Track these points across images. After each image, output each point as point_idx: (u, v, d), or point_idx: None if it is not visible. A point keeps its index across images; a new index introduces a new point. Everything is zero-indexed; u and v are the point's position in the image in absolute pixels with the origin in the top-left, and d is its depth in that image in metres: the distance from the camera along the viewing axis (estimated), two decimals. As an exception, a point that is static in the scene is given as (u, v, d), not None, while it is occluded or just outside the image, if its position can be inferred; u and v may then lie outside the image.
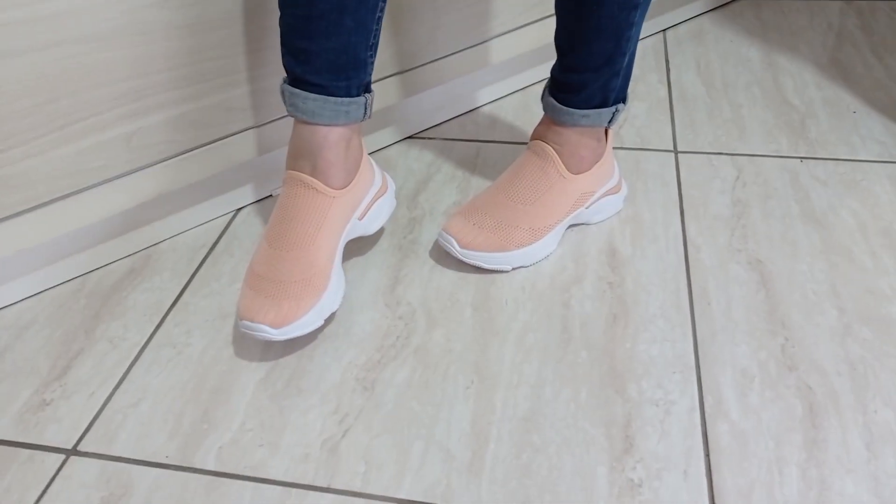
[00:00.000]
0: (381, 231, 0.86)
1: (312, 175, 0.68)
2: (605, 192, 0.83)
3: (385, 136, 1.00)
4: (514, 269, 0.79)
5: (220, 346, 0.72)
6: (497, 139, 1.02)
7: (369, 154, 0.99)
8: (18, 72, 0.65)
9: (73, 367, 0.71)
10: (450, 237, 0.77)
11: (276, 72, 0.81)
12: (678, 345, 0.69)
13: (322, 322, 0.68)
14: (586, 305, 0.75)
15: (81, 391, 0.69)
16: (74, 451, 0.63)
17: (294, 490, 0.59)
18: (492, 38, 0.99)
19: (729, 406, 0.63)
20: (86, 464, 0.62)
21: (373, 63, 0.68)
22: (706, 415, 0.63)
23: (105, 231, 0.81)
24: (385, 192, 0.79)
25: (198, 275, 0.81)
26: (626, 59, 0.73)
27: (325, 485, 0.59)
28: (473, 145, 1.01)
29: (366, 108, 0.69)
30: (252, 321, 0.65)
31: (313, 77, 0.64)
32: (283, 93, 0.67)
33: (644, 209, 0.87)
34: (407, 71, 0.92)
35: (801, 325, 0.70)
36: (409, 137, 1.03)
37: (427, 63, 0.94)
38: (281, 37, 0.65)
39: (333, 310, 0.69)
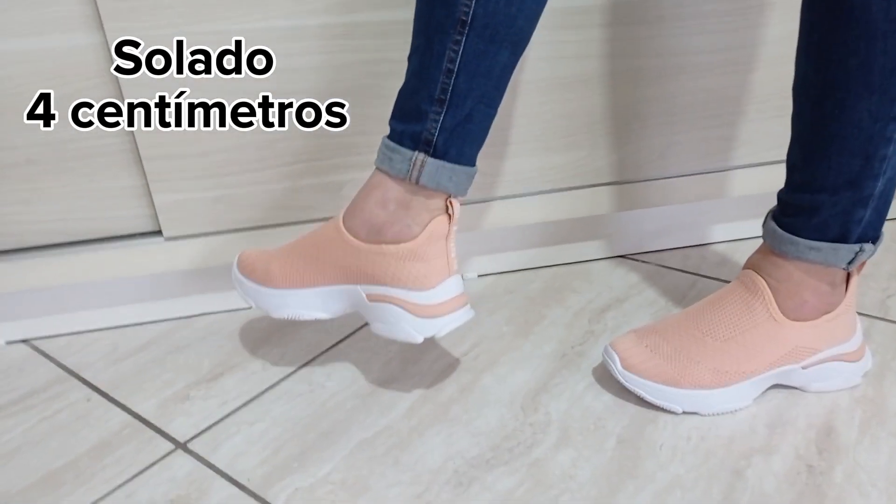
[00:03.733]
0: (550, 334, 0.78)
1: (346, 207, 0.65)
2: (834, 355, 0.65)
3: (592, 248, 0.94)
4: (684, 412, 0.65)
5: (348, 398, 0.71)
6: (721, 277, 0.88)
7: (571, 263, 0.93)
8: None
9: (224, 375, 0.76)
10: (614, 354, 0.67)
11: (485, 153, 0.82)
12: (887, 574, 0.48)
13: (249, 306, 0.73)
14: (766, 483, 0.57)
15: (219, 398, 0.72)
16: (183, 446, 0.66)
17: (338, 559, 0.52)
18: (734, 168, 0.88)
19: None
20: (185, 460, 0.64)
21: (437, 122, 0.59)
22: None
23: (301, 269, 0.88)
24: (419, 312, 0.62)
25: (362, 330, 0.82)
26: (881, 186, 0.58)
27: (370, 568, 0.52)
28: (690, 278, 0.89)
29: (411, 166, 0.60)
30: (239, 256, 0.71)
31: (391, 118, 0.62)
32: None
33: (892, 394, 0.66)
34: (627, 183, 0.87)
35: None
36: (620, 256, 0.95)
37: (652, 179, 0.87)
38: None
39: (265, 311, 0.68)
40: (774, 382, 0.66)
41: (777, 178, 0.88)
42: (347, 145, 0.79)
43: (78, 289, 0.83)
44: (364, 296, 0.64)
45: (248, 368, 0.77)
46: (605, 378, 0.70)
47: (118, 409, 0.71)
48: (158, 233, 0.81)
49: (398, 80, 0.76)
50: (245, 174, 0.79)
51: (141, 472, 0.63)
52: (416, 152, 0.60)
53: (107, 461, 0.64)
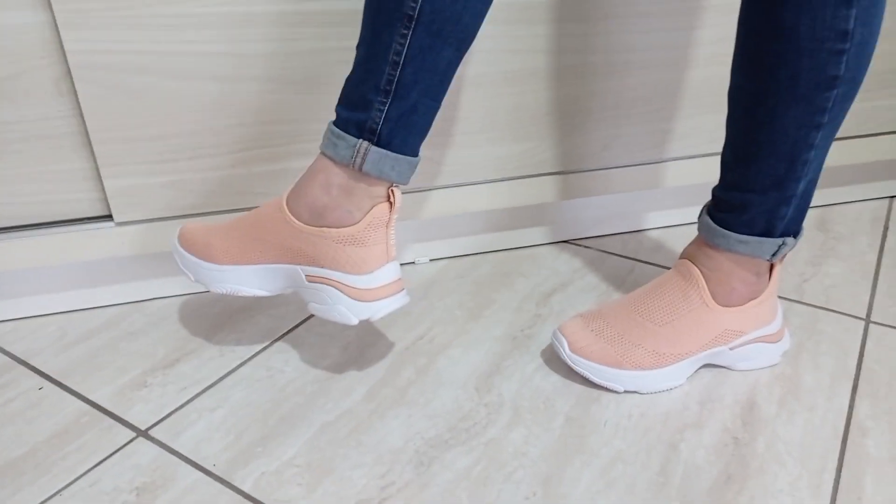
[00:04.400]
0: (499, 318, 0.82)
1: (290, 188, 0.66)
2: (758, 337, 0.72)
3: (538, 234, 0.98)
4: (625, 391, 0.70)
5: (307, 383, 0.72)
6: (657, 262, 0.94)
7: (519, 248, 0.97)
8: (223, 95, 0.75)
9: (181, 361, 0.76)
10: (562, 338, 0.71)
11: (436, 143, 0.84)
12: (800, 533, 0.55)
13: (189, 280, 0.74)
14: (698, 455, 0.63)
15: (176, 384, 0.73)
16: (144, 434, 0.66)
17: (307, 539, 0.55)
18: (673, 160, 0.94)
19: None
20: (147, 447, 0.65)
21: (382, 112, 0.60)
22: None
23: (255, 254, 0.88)
24: (354, 295, 0.64)
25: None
26: (803, 187, 0.64)
27: (339, 545, 0.55)
28: (629, 263, 0.94)
29: (355, 153, 0.61)
30: (178, 240, 0.71)
31: (337, 106, 0.63)
32: None
33: (807, 371, 0.73)
34: (573, 172, 0.91)
35: None
36: (564, 241, 1.00)
37: (597, 170, 0.92)
38: None
39: (208, 287, 0.69)
40: (705, 363, 0.73)
41: (709, 170, 0.94)
42: (301, 132, 0.80)
43: (24, 273, 0.81)
44: (303, 276, 0.66)
45: (205, 354, 0.77)
46: (553, 360, 0.75)
47: (73, 398, 0.71)
48: (109, 217, 0.80)
49: (350, 69, 0.77)
50: (198, 159, 0.78)
51: (103, 461, 0.63)
52: (361, 140, 0.61)
53: (67, 450, 0.64)
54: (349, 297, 0.64)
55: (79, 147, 0.75)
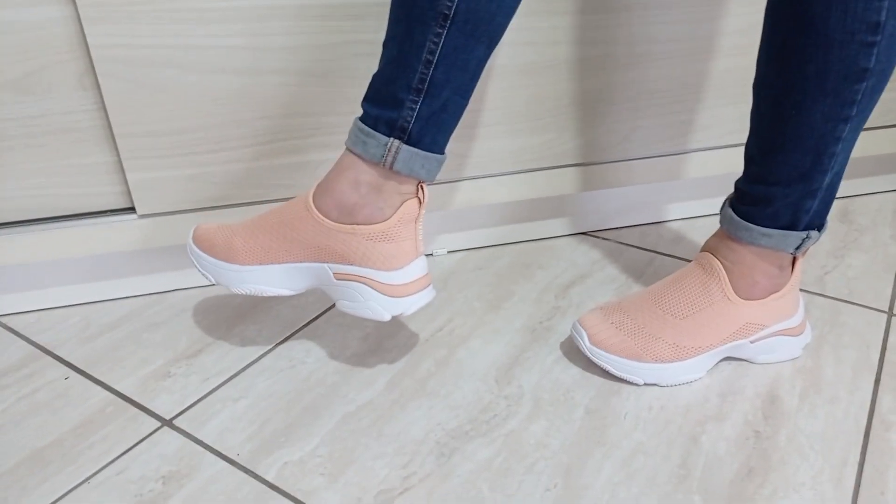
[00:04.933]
0: (519, 310, 0.82)
1: (315, 186, 0.65)
2: (779, 330, 0.71)
3: (557, 225, 0.98)
4: (645, 384, 0.70)
5: (329, 373, 0.73)
6: (676, 254, 0.94)
7: (537, 240, 0.97)
8: (245, 88, 0.76)
9: (204, 352, 0.77)
10: (582, 330, 0.71)
11: (456, 135, 0.84)
12: (823, 527, 0.55)
13: (208, 281, 0.69)
14: (719, 447, 0.63)
15: (200, 374, 0.73)
16: (169, 423, 0.67)
17: (331, 528, 0.56)
18: (693, 152, 0.93)
19: None
20: (172, 437, 0.66)
21: (414, 110, 0.60)
22: None
23: (275, 245, 0.89)
24: (387, 291, 0.64)
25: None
26: (829, 180, 0.63)
27: (362, 534, 0.55)
28: (648, 255, 0.94)
29: (386, 152, 0.61)
30: (193, 238, 0.70)
31: (363, 103, 0.63)
32: None
33: (828, 364, 0.73)
34: (593, 164, 0.91)
35: None
36: (583, 233, 0.99)
37: (617, 161, 0.91)
38: None
39: (229, 287, 0.68)
40: (726, 355, 0.72)
41: (730, 161, 0.94)
42: (323, 125, 0.80)
43: (47, 265, 0.82)
44: (331, 274, 0.65)
45: (227, 345, 0.78)
46: (573, 352, 0.75)
47: (98, 387, 0.72)
48: (132, 209, 0.80)
49: (372, 62, 0.77)
50: (221, 152, 0.79)
51: (129, 450, 0.64)
52: (391, 139, 0.61)
53: (93, 439, 0.65)
54: (381, 293, 0.64)
55: (102, 141, 0.76)
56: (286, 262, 0.66)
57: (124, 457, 0.63)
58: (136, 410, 0.69)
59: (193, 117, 0.76)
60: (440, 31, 0.58)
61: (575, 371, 0.73)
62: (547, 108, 0.85)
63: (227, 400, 0.70)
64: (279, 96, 0.77)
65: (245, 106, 0.77)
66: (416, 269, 0.65)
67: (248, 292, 0.68)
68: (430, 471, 0.61)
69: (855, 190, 1.07)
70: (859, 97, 0.57)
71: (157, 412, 0.69)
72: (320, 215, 0.64)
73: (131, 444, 0.65)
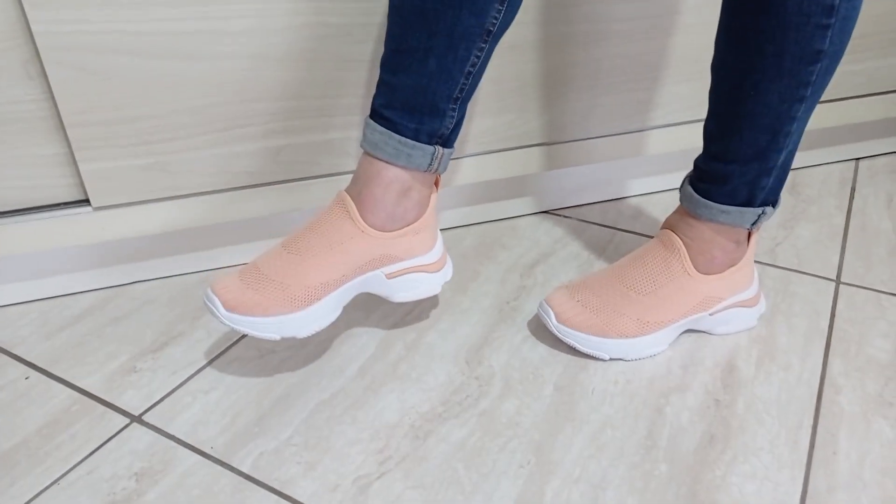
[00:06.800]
0: (485, 290, 0.83)
1: (355, 201, 0.65)
2: (736, 302, 0.74)
3: (519, 205, 0.99)
4: (611, 359, 0.72)
5: (300, 361, 0.73)
6: (636, 230, 0.96)
7: (500, 220, 0.98)
8: (200, 74, 0.74)
9: (170, 345, 0.76)
10: (549, 309, 0.73)
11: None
12: (781, 489, 0.58)
13: (277, 338, 0.63)
14: (683, 417, 0.66)
15: (167, 368, 0.72)
16: (138, 419, 0.66)
17: (311, 516, 0.56)
18: (651, 129, 0.95)
19: (828, 578, 0.51)
20: (143, 433, 0.65)
21: (454, 118, 0.64)
22: (795, 579, 0.51)
23: (239, 233, 0.88)
24: (434, 270, 0.71)
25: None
26: (783, 158, 0.66)
27: (342, 521, 0.56)
28: (609, 231, 0.96)
29: (433, 160, 0.65)
30: (212, 291, 0.62)
31: (387, 111, 0.63)
32: (363, 124, 0.67)
33: (782, 333, 0.76)
34: (554, 144, 0.91)
35: (953, 510, 0.56)
36: (545, 212, 1.01)
37: (577, 140, 0.92)
38: (379, 73, 0.65)
39: (297, 335, 0.63)
40: (686, 328, 0.75)
41: (688, 137, 0.96)
42: (283, 110, 0.79)
43: (0, 261, 0.79)
44: (384, 276, 0.69)
45: (193, 337, 0.77)
46: (540, 330, 0.77)
47: (61, 386, 0.70)
48: (86, 201, 0.78)
49: (334, 44, 0.76)
50: (176, 140, 0.77)
51: (98, 448, 0.63)
52: (436, 147, 0.65)
53: (60, 439, 0.64)
54: (429, 272, 0.71)
55: (51, 131, 0.73)
56: (342, 285, 0.66)
57: (94, 455, 0.62)
58: (103, 408, 0.68)
59: (147, 105, 0.74)
60: (483, 45, 0.61)
61: (542, 349, 0.74)
62: (508, 88, 0.85)
63: (198, 393, 0.69)
64: (236, 81, 0.75)
65: (201, 92, 0.75)
66: (441, 239, 0.74)
67: (316, 331, 0.65)
68: (406, 454, 0.62)
69: (801, 162, 1.11)
70: (814, 78, 0.59)
71: (125, 409, 0.68)
72: (377, 231, 0.66)
73: (100, 443, 0.64)
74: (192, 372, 0.72)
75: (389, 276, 0.69)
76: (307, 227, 0.66)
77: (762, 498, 0.57)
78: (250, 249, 0.89)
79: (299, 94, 0.78)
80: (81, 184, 0.77)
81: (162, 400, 0.68)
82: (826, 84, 0.61)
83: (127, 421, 0.66)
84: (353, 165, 0.84)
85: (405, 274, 0.69)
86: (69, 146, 0.74)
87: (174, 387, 0.70)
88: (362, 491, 0.59)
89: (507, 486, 0.59)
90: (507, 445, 0.63)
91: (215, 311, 0.62)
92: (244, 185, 0.81)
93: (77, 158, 0.74)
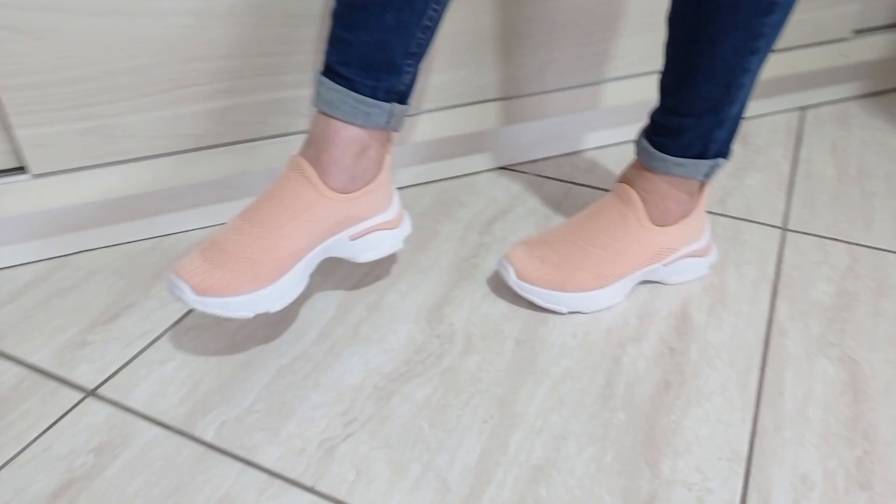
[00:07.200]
0: (444, 249, 0.83)
1: (313, 165, 0.63)
2: (688, 252, 0.76)
3: (476, 161, 0.98)
4: (570, 312, 0.73)
5: (258, 327, 0.72)
6: (592, 184, 0.97)
7: (457, 177, 0.98)
8: (141, 31, 0.70)
9: (122, 316, 0.74)
10: (508, 265, 0.73)
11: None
12: (733, 430, 0.61)
13: (251, 315, 0.60)
14: (639, 365, 0.68)
15: (120, 340, 0.71)
16: (93, 394, 0.65)
17: (278, 481, 0.57)
18: (606, 81, 0.95)
19: (777, 511, 0.54)
20: (99, 407, 0.63)
21: (411, 74, 0.63)
22: (746, 515, 0.54)
23: (186, 199, 0.85)
24: (394, 227, 0.71)
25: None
26: (736, 110, 0.67)
27: (310, 484, 0.56)
28: (565, 186, 0.97)
29: (390, 117, 0.64)
30: (177, 276, 0.59)
31: (342, 68, 0.61)
32: (315, 81, 0.64)
33: (732, 280, 0.78)
34: (510, 99, 0.91)
35: (888, 441, 0.59)
36: (501, 168, 1.00)
37: (533, 94, 0.92)
38: (329, 26, 0.62)
39: (270, 310, 0.61)
40: (642, 279, 0.77)
41: (642, 89, 0.96)
42: (230, 69, 0.75)
43: (-68, 236, 0.75)
44: (348, 238, 0.68)
45: (146, 306, 0.75)
46: (499, 287, 0.77)
47: (9, 363, 0.68)
48: (23, 169, 0.74)
49: (278, 2, 0.73)
50: (118, 103, 0.73)
51: (53, 425, 0.62)
52: (393, 104, 0.63)
53: (11, 417, 0.62)
54: (390, 230, 0.71)
55: (-21, 94, 0.69)
56: (310, 251, 0.65)
57: (49, 432, 0.61)
58: (55, 383, 0.66)
59: (85, 65, 0.70)
60: None
61: (503, 305, 0.75)
62: (464, 43, 0.84)
63: (153, 364, 0.68)
64: (179, 39, 0.72)
65: (142, 51, 0.71)
66: (397, 195, 0.73)
67: (286, 304, 0.63)
68: (371, 415, 0.62)
69: (750, 112, 1.13)
70: (766, 30, 0.60)
71: (78, 383, 0.66)
72: (341, 195, 0.64)
73: (55, 419, 0.62)
74: (147, 343, 0.70)
75: (353, 238, 0.68)
76: (266, 197, 0.63)
77: (715, 439, 0.60)
78: (199, 215, 0.87)
79: (246, 52, 0.75)
80: (17, 150, 0.73)
81: (117, 373, 0.67)
82: (777, 36, 0.62)
83: (81, 395, 0.64)
84: (304, 125, 0.82)
85: (368, 234, 0.69)
86: (2, 111, 0.70)
87: (129, 358, 0.68)
88: (329, 454, 0.59)
89: (471, 440, 0.60)
90: (470, 401, 0.64)
91: (183, 296, 0.59)
92: (190, 148, 0.79)
93: (12, 124, 0.70)
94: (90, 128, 0.73)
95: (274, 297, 0.62)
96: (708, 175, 0.71)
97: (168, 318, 0.73)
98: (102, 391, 0.65)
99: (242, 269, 0.60)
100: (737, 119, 0.68)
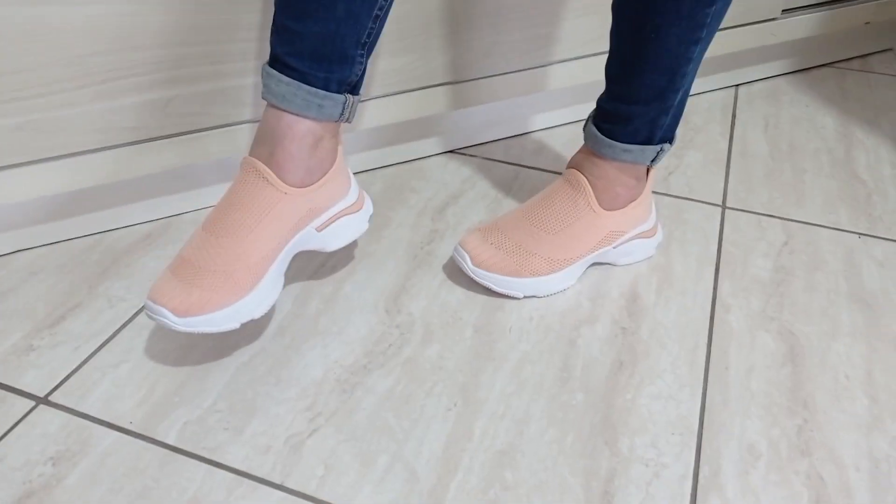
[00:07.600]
0: (398, 237, 0.83)
1: (267, 164, 0.62)
2: (636, 234, 0.79)
3: (425, 146, 0.98)
4: (525, 297, 0.75)
5: (213, 323, 0.71)
6: (539, 166, 0.98)
7: (407, 162, 0.98)
8: (74, 20, 0.66)
9: (68, 318, 0.71)
10: (464, 253, 0.74)
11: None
12: (683, 405, 0.64)
13: (237, 325, 0.60)
14: (593, 347, 0.70)
15: (68, 343, 0.68)
16: (45, 401, 0.63)
17: (246, 481, 0.56)
18: (552, 64, 0.96)
19: (726, 480, 0.57)
20: (52, 415, 0.61)
21: (362, 64, 0.63)
22: (699, 485, 0.57)
23: (129, 193, 0.82)
24: (356, 210, 0.71)
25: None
26: (679, 97, 0.69)
27: (278, 481, 0.57)
28: (513, 169, 0.98)
29: (344, 109, 0.63)
30: (155, 302, 0.58)
31: (292, 60, 0.59)
32: (262, 73, 0.62)
33: (677, 260, 0.82)
34: (457, 83, 0.91)
35: (826, 409, 0.64)
36: (450, 151, 1.01)
37: (480, 78, 0.92)
38: (273, 14, 0.60)
39: (254, 317, 0.61)
40: (593, 262, 0.79)
41: (588, 71, 0.98)
42: (169, 58, 0.73)
43: None
44: (314, 230, 0.67)
45: (93, 306, 0.73)
46: (455, 274, 0.78)
47: (-51, 372, 0.65)
48: (-51, 168, 0.70)
49: None
50: (51, 96, 0.69)
51: (5, 435, 0.60)
52: (346, 95, 0.63)
53: (-43, 431, 0.60)
54: (353, 214, 0.71)
55: None
56: (280, 253, 0.64)
57: (0, 444, 0.59)
58: (2, 392, 0.63)
59: (14, 57, 0.66)
60: None
61: (459, 292, 0.76)
62: (409, 27, 0.83)
63: (106, 367, 0.66)
64: (114, 27, 0.68)
65: (75, 41, 0.67)
66: (353, 178, 0.73)
67: (268, 308, 0.63)
68: (335, 409, 0.63)
69: (689, 91, 1.16)
70: (709, 20, 0.62)
71: (27, 391, 0.64)
72: (300, 190, 0.63)
73: (6, 430, 0.60)
74: (98, 345, 0.68)
75: (319, 229, 0.68)
76: (226, 205, 0.62)
77: (667, 415, 0.63)
78: (143, 208, 0.84)
79: (186, 40, 0.72)
80: (-59, 149, 0.69)
81: (68, 378, 0.65)
82: (718, 26, 0.64)
83: (32, 404, 0.62)
84: (249, 115, 0.80)
85: (332, 222, 0.69)
86: (-80, 107, 0.66)
87: (79, 362, 0.66)
88: (295, 450, 0.59)
89: (437, 429, 0.61)
90: (433, 390, 0.65)
91: (165, 321, 0.58)
92: (130, 141, 0.76)
93: (-68, 120, 0.66)
94: (22, 123, 0.69)
95: (255, 303, 0.61)
96: (655, 160, 0.73)
97: (118, 319, 0.71)
98: (54, 398, 0.63)
99: (219, 282, 0.59)
100: (681, 106, 0.70)
